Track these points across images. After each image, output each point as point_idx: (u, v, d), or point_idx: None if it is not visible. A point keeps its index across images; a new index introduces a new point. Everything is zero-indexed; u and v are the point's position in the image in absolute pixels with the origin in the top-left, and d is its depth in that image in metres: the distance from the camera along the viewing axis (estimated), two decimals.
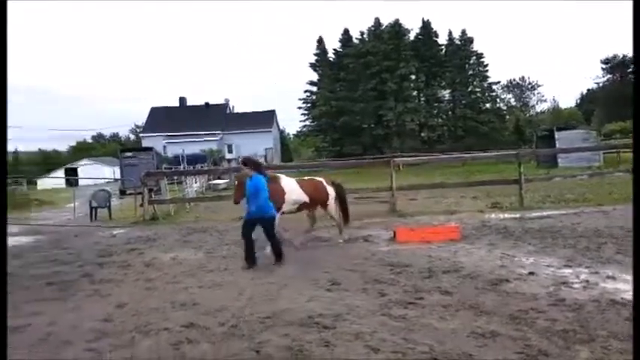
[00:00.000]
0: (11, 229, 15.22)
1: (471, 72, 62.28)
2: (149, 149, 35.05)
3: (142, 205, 15.42)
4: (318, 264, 7.86)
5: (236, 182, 8.61)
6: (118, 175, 36.13)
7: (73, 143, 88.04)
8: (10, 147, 72.87)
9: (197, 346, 4.78)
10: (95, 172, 48.40)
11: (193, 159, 40.15)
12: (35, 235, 13.18)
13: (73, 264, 8.86)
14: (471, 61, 62.01)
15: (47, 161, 75.62)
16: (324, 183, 9.72)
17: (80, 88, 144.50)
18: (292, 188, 9.13)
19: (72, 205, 20.08)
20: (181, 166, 34.32)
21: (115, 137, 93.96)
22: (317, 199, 9.49)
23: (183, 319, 5.53)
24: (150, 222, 14.46)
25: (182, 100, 66.73)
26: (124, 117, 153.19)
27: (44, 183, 47.45)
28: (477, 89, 62.48)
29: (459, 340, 4.56)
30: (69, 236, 12.67)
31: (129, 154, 32.93)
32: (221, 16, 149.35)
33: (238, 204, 8.51)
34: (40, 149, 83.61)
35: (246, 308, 5.76)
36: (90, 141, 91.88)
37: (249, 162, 8.12)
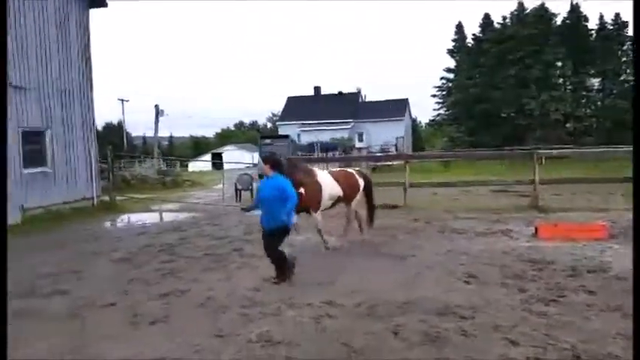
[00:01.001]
0: (170, 205, 17.12)
1: (624, 59, 55.89)
2: (285, 136, 36.71)
3: None
4: (454, 256, 7.83)
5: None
6: (256, 160, 38.48)
7: (219, 130, 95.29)
8: (166, 133, 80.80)
9: (337, 321, 5.12)
10: (237, 157, 51.91)
11: (325, 147, 41.23)
12: (191, 213, 14.67)
13: (224, 239, 9.79)
14: (625, 48, 55.63)
15: (197, 146, 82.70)
16: (356, 175, 9.11)
17: (226, 81, 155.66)
18: (328, 183, 8.46)
19: (218, 186, 21.94)
20: (315, 154, 35.49)
21: (253, 125, 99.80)
22: (349, 193, 8.81)
23: (322, 296, 5.90)
24: None
25: (317, 89, 68.56)
26: (262, 106, 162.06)
27: (193, 166, 52.04)
28: (631, 78, 55.90)
29: (603, 341, 4.38)
30: (219, 214, 13.91)
31: (267, 140, 34.75)
32: (354, 9, 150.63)
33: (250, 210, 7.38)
34: (190, 135, 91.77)
35: (382, 292, 5.97)
36: (232, 128, 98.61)
37: (269, 160, 6.71)
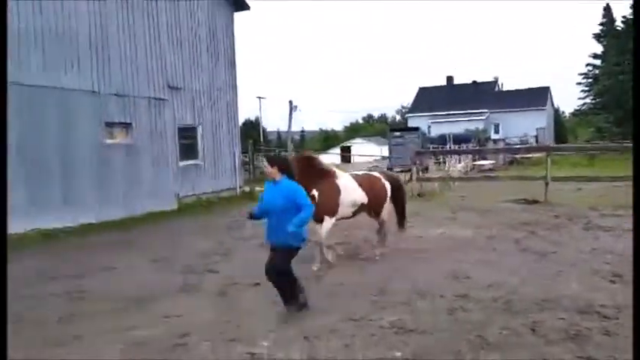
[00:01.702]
0: None
1: None
2: (415, 129, 36.32)
3: (409, 182, 16.27)
4: (599, 254, 7.35)
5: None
6: (384, 153, 38.63)
7: (348, 124, 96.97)
8: (298, 127, 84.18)
9: (471, 314, 5.11)
10: (366, 150, 52.52)
11: (458, 139, 40.07)
12: None
13: (355, 229, 10.05)
14: None
15: (326, 140, 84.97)
16: (383, 180, 8.00)
17: (356, 75, 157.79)
18: (349, 187, 7.40)
19: None
20: (447, 146, 34.68)
21: (382, 118, 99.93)
22: (374, 200, 7.71)
23: (456, 289, 5.92)
24: (417, 198, 15.21)
25: (449, 79, 66.73)
26: (392, 98, 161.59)
27: (323, 159, 53.65)
28: None
29: None
30: None
31: (397, 133, 34.63)
32: None
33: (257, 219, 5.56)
34: (320, 129, 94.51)
35: (521, 288, 5.83)
36: (361, 122, 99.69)
37: (276, 161, 5.49)
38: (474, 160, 27.68)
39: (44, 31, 10.96)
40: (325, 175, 7.14)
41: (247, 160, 19.12)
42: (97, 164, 12.18)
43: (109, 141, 12.65)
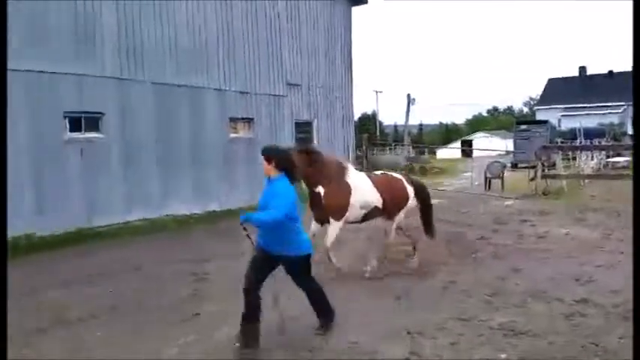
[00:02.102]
0: None
1: None
2: (544, 122, 34.14)
3: (533, 179, 15.40)
4: None
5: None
6: (508, 148, 36.68)
7: (470, 117, 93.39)
8: (416, 120, 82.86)
9: (589, 320, 4.81)
10: (488, 144, 50.23)
11: (590, 133, 36.95)
12: (439, 199, 14.95)
13: (472, 226, 9.77)
14: None
15: (447, 133, 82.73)
16: (404, 182, 6.95)
17: (479, 64, 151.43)
18: (362, 186, 6.42)
19: (467, 174, 21.76)
20: (577, 141, 32.16)
21: (508, 110, 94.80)
22: (391, 204, 6.62)
23: (576, 293, 5.58)
24: (541, 196, 14.36)
25: (582, 69, 61.64)
26: (519, 90, 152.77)
27: (442, 153, 52.27)
28: None
29: None
30: (466, 202, 13.88)
31: (523, 127, 32.82)
32: None
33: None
34: (440, 122, 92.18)
35: None
36: (485, 114, 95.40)
37: (272, 155, 4.42)
38: (608, 157, 25.39)
39: (178, 39, 11.94)
40: (334, 171, 6.30)
41: (361, 154, 19.31)
42: (222, 157, 13.06)
43: (232, 135, 13.51)
